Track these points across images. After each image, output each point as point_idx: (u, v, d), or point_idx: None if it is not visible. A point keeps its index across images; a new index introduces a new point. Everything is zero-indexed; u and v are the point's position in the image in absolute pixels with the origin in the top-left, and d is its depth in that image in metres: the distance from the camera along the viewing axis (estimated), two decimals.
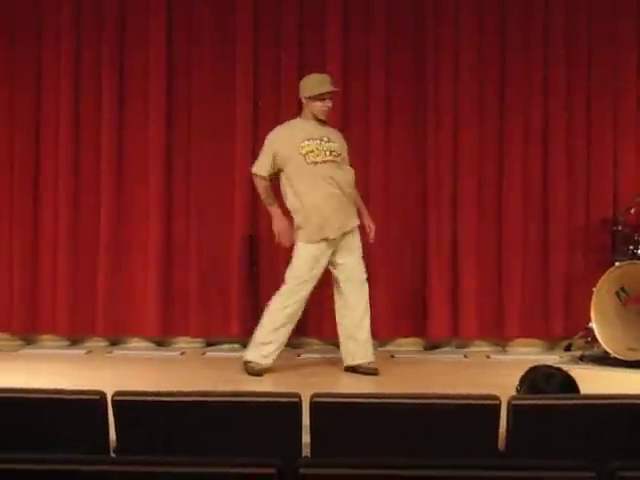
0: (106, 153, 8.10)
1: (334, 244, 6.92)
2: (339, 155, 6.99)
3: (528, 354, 7.79)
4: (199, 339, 8.17)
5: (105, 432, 3.95)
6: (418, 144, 8.07)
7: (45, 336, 8.20)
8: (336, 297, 7.02)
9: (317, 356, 7.70)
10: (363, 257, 7.01)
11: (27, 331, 8.18)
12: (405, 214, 8.09)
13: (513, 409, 3.91)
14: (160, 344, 8.17)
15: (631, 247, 7.53)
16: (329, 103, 7.01)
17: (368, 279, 7.02)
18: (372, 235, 7.16)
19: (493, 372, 7.12)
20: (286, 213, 7.02)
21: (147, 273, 8.07)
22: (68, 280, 8.07)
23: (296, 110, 7.38)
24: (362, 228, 7.10)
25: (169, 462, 3.13)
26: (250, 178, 7.23)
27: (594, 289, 7.34)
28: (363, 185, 7.51)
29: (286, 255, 7.18)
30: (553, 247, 8.02)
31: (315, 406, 3.93)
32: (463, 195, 8.04)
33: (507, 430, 3.94)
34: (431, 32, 8.04)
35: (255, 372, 6.84)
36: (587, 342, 7.59)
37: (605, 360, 7.30)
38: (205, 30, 8.12)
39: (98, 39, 8.11)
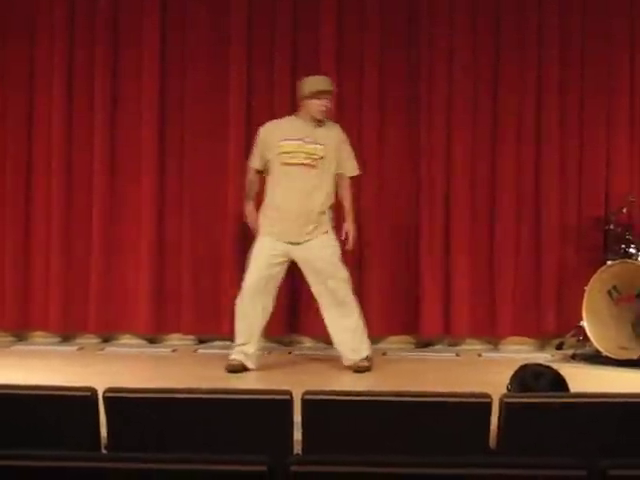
0: (99, 153, 8.10)
1: (295, 246, 6.89)
2: (321, 158, 6.91)
3: (520, 352, 7.80)
4: (191, 336, 8.17)
5: (96, 429, 3.94)
6: (411, 144, 8.08)
7: (37, 332, 8.20)
8: (324, 314, 7.00)
9: (308, 353, 7.71)
10: (353, 256, 6.97)
11: (19, 328, 8.18)
12: (398, 213, 8.09)
13: (505, 407, 3.91)
14: (152, 341, 8.17)
15: (623, 246, 7.54)
16: (327, 103, 7.00)
17: (360, 278, 7.00)
18: (349, 242, 7.02)
19: (485, 370, 7.14)
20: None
21: (139, 272, 8.07)
22: (60, 278, 8.06)
23: (289, 111, 7.39)
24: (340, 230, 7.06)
25: (160, 459, 3.12)
26: (243, 178, 7.24)
27: (586, 288, 7.35)
28: (356, 185, 7.50)
29: None
30: (545, 246, 8.03)
31: (307, 403, 3.93)
32: (456, 194, 8.04)
33: (498, 428, 3.94)
34: (425, 32, 8.04)
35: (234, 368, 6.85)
36: (579, 341, 7.60)
37: (597, 359, 7.31)
38: (199, 30, 8.11)
39: (91, 39, 8.09)
